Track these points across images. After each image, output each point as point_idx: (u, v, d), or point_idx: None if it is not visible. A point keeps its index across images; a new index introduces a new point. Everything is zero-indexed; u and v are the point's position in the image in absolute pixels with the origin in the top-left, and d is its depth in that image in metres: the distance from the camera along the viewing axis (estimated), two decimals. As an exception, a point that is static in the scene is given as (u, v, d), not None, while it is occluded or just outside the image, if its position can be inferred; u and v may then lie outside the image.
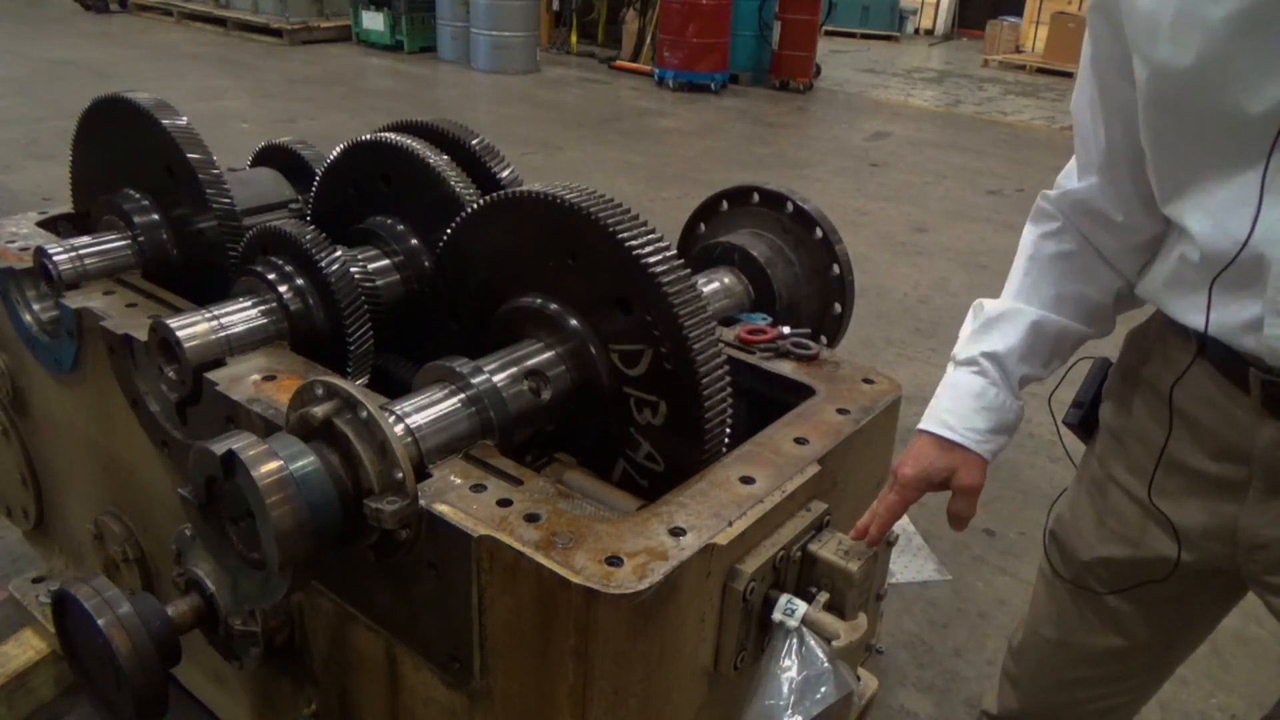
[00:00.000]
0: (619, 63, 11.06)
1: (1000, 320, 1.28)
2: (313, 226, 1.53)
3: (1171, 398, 1.20)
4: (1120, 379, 1.34)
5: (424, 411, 1.19)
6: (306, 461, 1.05)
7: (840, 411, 1.38)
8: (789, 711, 1.05)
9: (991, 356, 1.26)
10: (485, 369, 1.25)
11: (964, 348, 1.30)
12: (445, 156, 1.62)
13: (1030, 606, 1.55)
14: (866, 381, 1.48)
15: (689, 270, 1.24)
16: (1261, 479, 1.15)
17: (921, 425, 1.28)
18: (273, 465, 1.02)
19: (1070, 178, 1.26)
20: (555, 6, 12.06)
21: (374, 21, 11.17)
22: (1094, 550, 1.36)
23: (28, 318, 1.76)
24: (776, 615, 1.11)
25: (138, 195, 1.77)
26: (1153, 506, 1.24)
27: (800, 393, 1.45)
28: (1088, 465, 1.41)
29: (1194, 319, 1.11)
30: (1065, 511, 1.44)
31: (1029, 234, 1.33)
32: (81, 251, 1.69)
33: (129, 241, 1.75)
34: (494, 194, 1.38)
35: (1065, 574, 1.42)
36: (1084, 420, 1.40)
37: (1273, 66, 0.93)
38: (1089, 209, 1.24)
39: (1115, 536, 1.33)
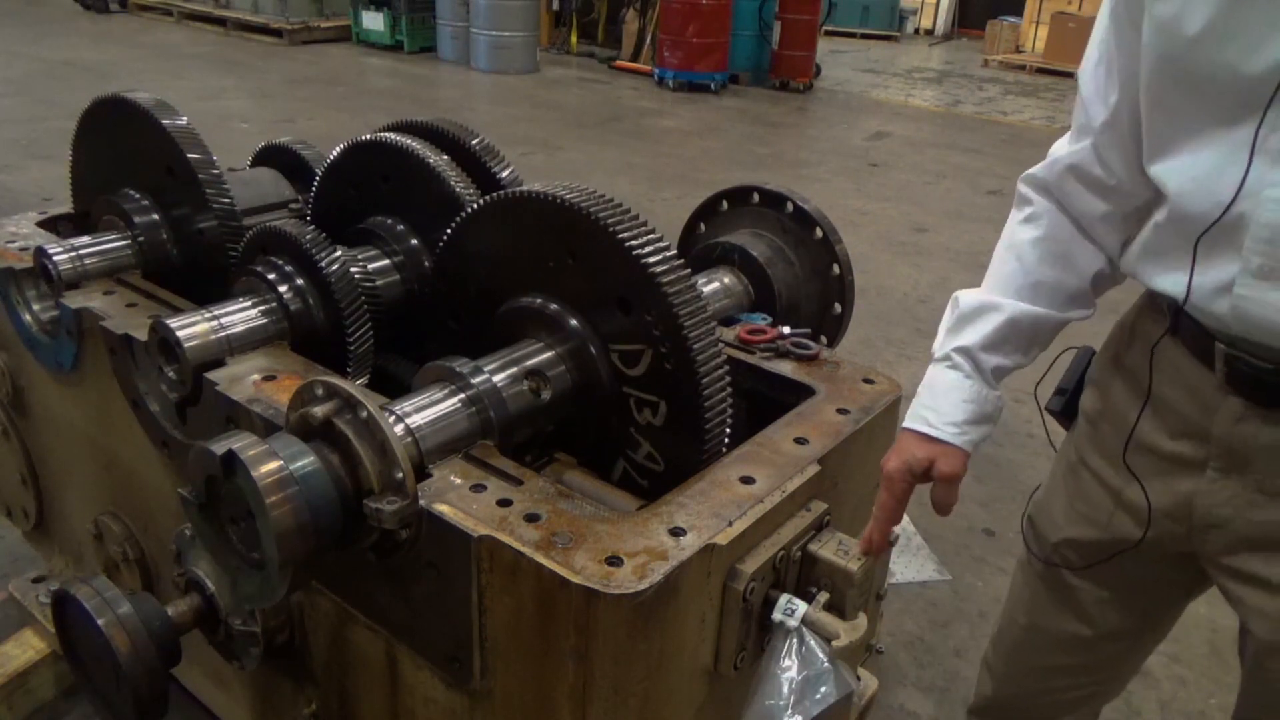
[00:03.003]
0: (619, 63, 11.06)
1: (974, 315, 1.29)
2: (313, 226, 1.53)
3: (1152, 359, 1.22)
4: (1101, 367, 1.37)
5: (424, 411, 1.19)
6: (306, 461, 1.05)
7: (840, 411, 1.38)
8: (789, 711, 1.05)
9: (964, 351, 1.28)
10: (485, 369, 1.25)
11: (940, 344, 1.32)
12: (445, 156, 1.62)
13: (1007, 595, 1.59)
14: (866, 381, 1.48)
15: (689, 270, 1.24)
16: (1218, 458, 1.17)
17: (904, 424, 1.30)
18: (273, 465, 1.02)
19: (1062, 146, 1.27)
20: (555, 6, 12.05)
21: (374, 21, 11.16)
22: (1062, 531, 1.40)
23: (28, 318, 1.76)
24: (776, 615, 1.11)
25: (138, 195, 1.77)
26: (1128, 472, 1.27)
27: (800, 393, 1.45)
28: (1065, 451, 1.44)
29: (1171, 286, 1.13)
30: (1041, 495, 1.48)
31: (1009, 221, 1.35)
32: (81, 251, 1.69)
33: (129, 241, 1.75)
34: (494, 194, 1.37)
35: (1038, 554, 1.46)
36: (1065, 407, 1.44)
37: (1275, 26, 0.94)
38: (1080, 173, 1.25)
39: (1084, 519, 1.37)
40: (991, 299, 1.29)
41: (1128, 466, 1.27)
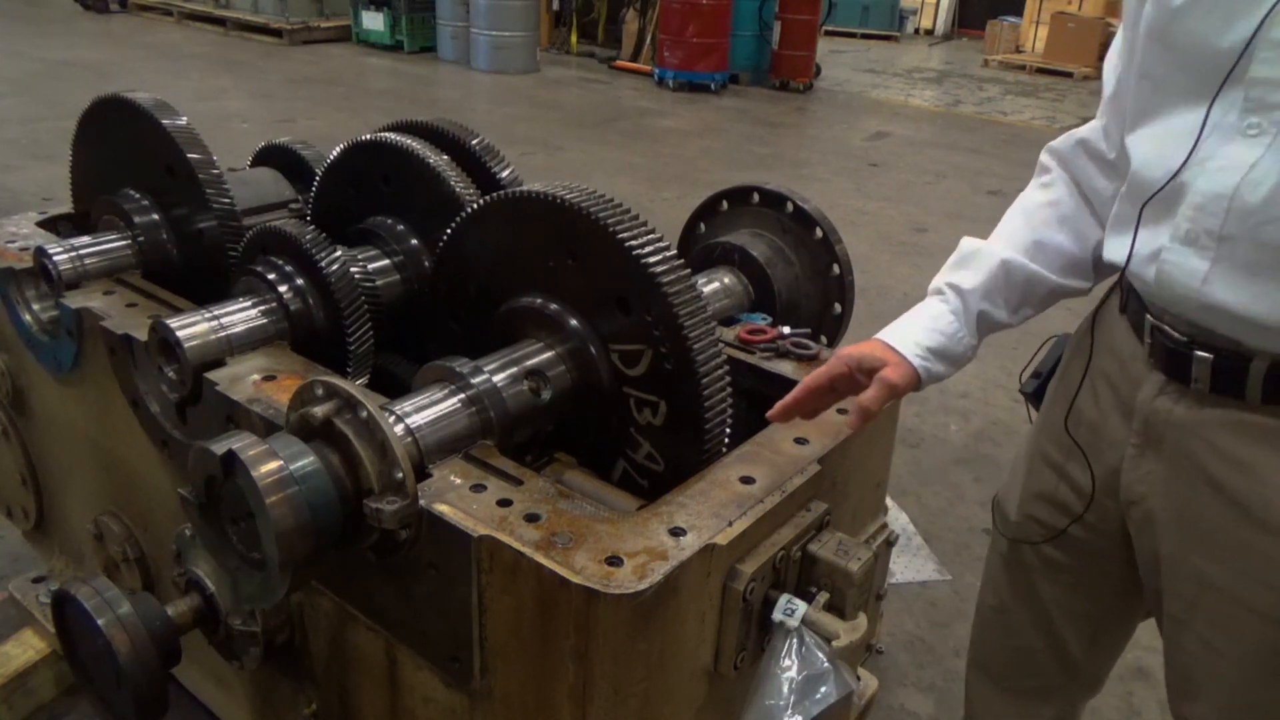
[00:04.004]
0: (619, 63, 11.05)
1: (973, 257, 1.32)
2: (313, 226, 1.53)
3: (1094, 326, 1.27)
4: (1067, 350, 1.41)
5: (424, 411, 1.19)
6: (306, 461, 1.05)
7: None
8: (789, 711, 1.05)
9: (955, 287, 1.30)
10: (485, 369, 1.25)
11: (937, 279, 1.34)
12: (445, 156, 1.62)
13: (982, 577, 1.62)
14: (866, 381, 1.47)
15: (689, 270, 1.24)
16: (1139, 434, 1.20)
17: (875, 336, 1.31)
18: (273, 465, 1.02)
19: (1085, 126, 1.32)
20: (555, 6, 12.05)
21: (374, 21, 11.16)
22: (1020, 509, 1.44)
23: (28, 318, 1.76)
24: (776, 615, 1.11)
25: (138, 195, 1.77)
26: (1070, 444, 1.30)
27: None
28: (1029, 434, 1.49)
29: (1117, 253, 1.17)
30: (1008, 475, 1.53)
31: (1027, 188, 1.39)
32: (81, 251, 1.69)
33: (129, 241, 1.75)
34: (494, 194, 1.37)
35: (1003, 533, 1.50)
36: (1038, 390, 1.48)
37: (1248, 1, 0.96)
38: (1088, 148, 1.30)
39: (1035, 497, 1.41)
40: (992, 246, 1.32)
41: (1070, 435, 1.30)
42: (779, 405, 1.24)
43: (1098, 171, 1.29)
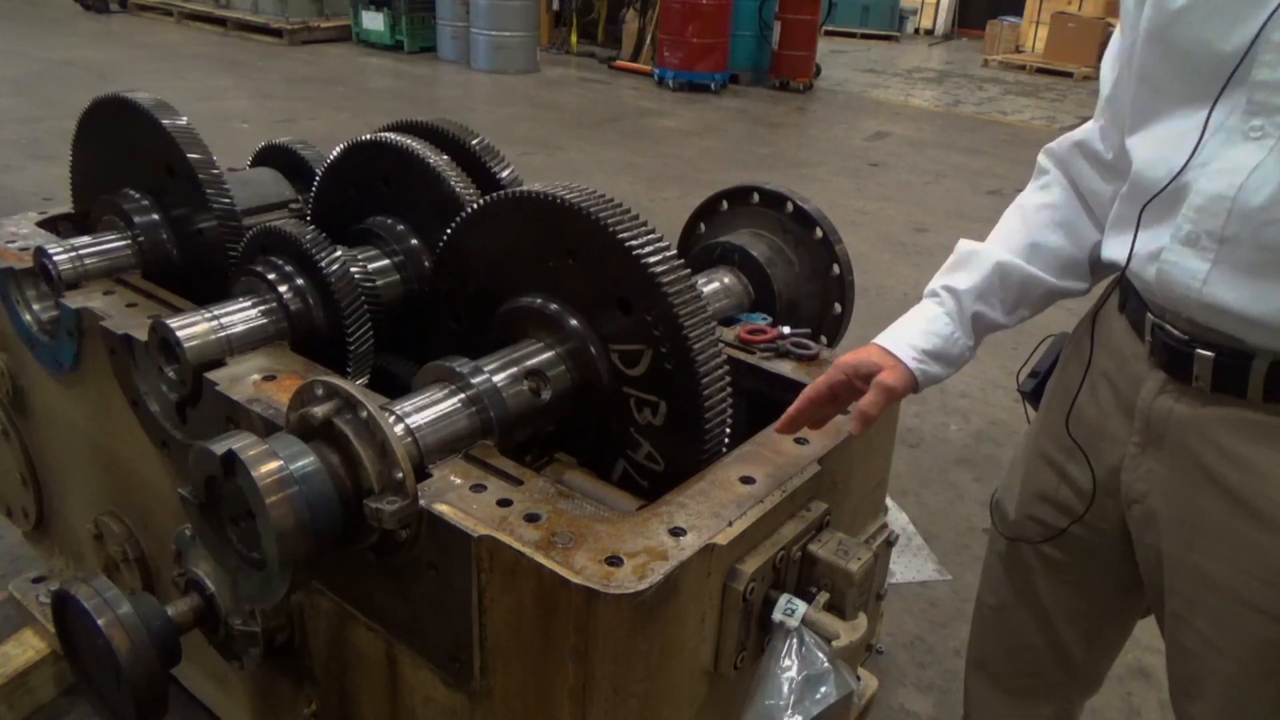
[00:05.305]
0: (619, 63, 11.05)
1: (969, 259, 1.32)
2: (313, 226, 1.53)
3: (1094, 329, 1.27)
4: (1064, 349, 1.41)
5: (424, 411, 1.19)
6: (306, 461, 1.05)
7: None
8: (789, 711, 1.05)
9: (950, 289, 1.30)
10: (485, 369, 1.25)
11: (932, 282, 1.34)
12: (445, 156, 1.62)
13: (980, 577, 1.62)
14: (866, 381, 1.47)
15: (689, 270, 1.24)
16: (1140, 432, 1.21)
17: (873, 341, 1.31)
18: (273, 465, 1.02)
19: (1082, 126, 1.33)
20: (555, 6, 12.05)
21: (374, 21, 11.16)
22: (1020, 509, 1.45)
23: (28, 318, 1.76)
24: (776, 615, 1.11)
25: (138, 195, 1.77)
26: (1071, 444, 1.30)
27: (800, 392, 1.44)
28: (1027, 434, 1.49)
29: (1117, 253, 1.17)
30: (1006, 475, 1.53)
31: (1025, 190, 1.39)
32: (81, 251, 1.69)
33: (129, 241, 1.74)
34: (494, 194, 1.37)
35: (1002, 532, 1.50)
36: (1036, 389, 1.48)
37: (1252, 4, 0.97)
38: (1085, 149, 1.30)
39: (1035, 496, 1.41)
40: (987, 248, 1.33)
41: (1070, 435, 1.30)
42: (783, 418, 1.25)
43: (1095, 173, 1.29)
